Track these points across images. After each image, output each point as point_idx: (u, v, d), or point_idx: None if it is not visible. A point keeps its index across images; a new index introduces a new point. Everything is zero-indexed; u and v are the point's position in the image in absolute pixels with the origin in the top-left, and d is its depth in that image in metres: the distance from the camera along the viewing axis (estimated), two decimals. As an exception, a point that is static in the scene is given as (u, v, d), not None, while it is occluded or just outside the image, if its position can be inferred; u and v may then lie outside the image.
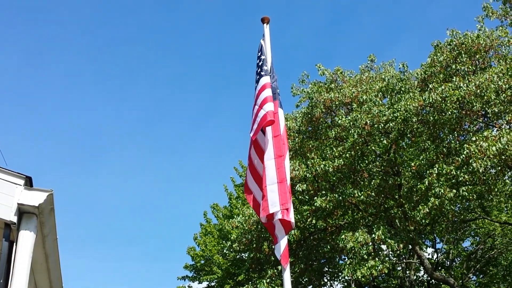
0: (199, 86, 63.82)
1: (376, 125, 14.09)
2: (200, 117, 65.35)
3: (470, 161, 12.13)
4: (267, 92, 7.29)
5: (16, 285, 5.17)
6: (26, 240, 5.36)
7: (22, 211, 5.43)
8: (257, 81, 7.58)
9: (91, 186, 61.10)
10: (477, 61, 14.40)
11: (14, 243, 5.35)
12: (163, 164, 61.71)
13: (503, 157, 12.05)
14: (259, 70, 7.71)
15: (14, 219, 5.34)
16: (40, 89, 57.83)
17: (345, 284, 20.61)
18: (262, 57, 7.86)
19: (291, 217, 6.38)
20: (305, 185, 14.54)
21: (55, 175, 53.78)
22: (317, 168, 14.36)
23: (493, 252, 23.58)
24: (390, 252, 20.51)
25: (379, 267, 13.30)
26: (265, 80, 7.49)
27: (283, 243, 6.43)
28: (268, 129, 6.96)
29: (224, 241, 22.91)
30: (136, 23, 62.12)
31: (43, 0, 54.70)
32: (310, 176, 14.57)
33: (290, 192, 6.66)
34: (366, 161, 15.19)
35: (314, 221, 16.12)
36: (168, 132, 63.55)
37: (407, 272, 24.32)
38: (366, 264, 13.24)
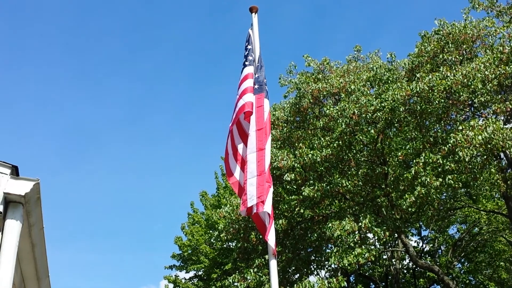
0: (182, 77, 63.57)
1: (363, 115, 14.11)
2: (185, 108, 65.14)
3: (456, 150, 12.22)
4: (248, 83, 7.26)
5: (2, 274, 5.13)
6: (12, 229, 5.31)
7: (8, 200, 5.37)
8: (241, 71, 7.57)
9: (78, 179, 60.82)
10: (464, 51, 14.47)
11: (0, 232, 5.30)
12: (150, 156, 61.60)
13: (489, 146, 12.16)
14: (244, 60, 7.69)
15: (0, 208, 5.28)
16: (23, 84, 57.20)
17: (332, 272, 20.71)
18: (249, 46, 7.82)
19: (267, 208, 6.34)
20: (293, 174, 14.54)
21: (40, 170, 53.39)
22: (305, 158, 14.37)
23: (480, 239, 23.89)
24: (376, 240, 20.69)
25: (365, 255, 13.36)
26: (248, 70, 7.46)
27: (272, 231, 6.42)
28: (252, 123, 6.90)
29: (211, 231, 22.93)
30: (117, 15, 61.57)
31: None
32: (298, 165, 14.57)
33: (270, 181, 6.58)
34: (354, 151, 15.23)
35: (301, 211, 16.15)
36: (153, 124, 63.32)
37: (393, 260, 24.56)
38: (353, 252, 13.31)
